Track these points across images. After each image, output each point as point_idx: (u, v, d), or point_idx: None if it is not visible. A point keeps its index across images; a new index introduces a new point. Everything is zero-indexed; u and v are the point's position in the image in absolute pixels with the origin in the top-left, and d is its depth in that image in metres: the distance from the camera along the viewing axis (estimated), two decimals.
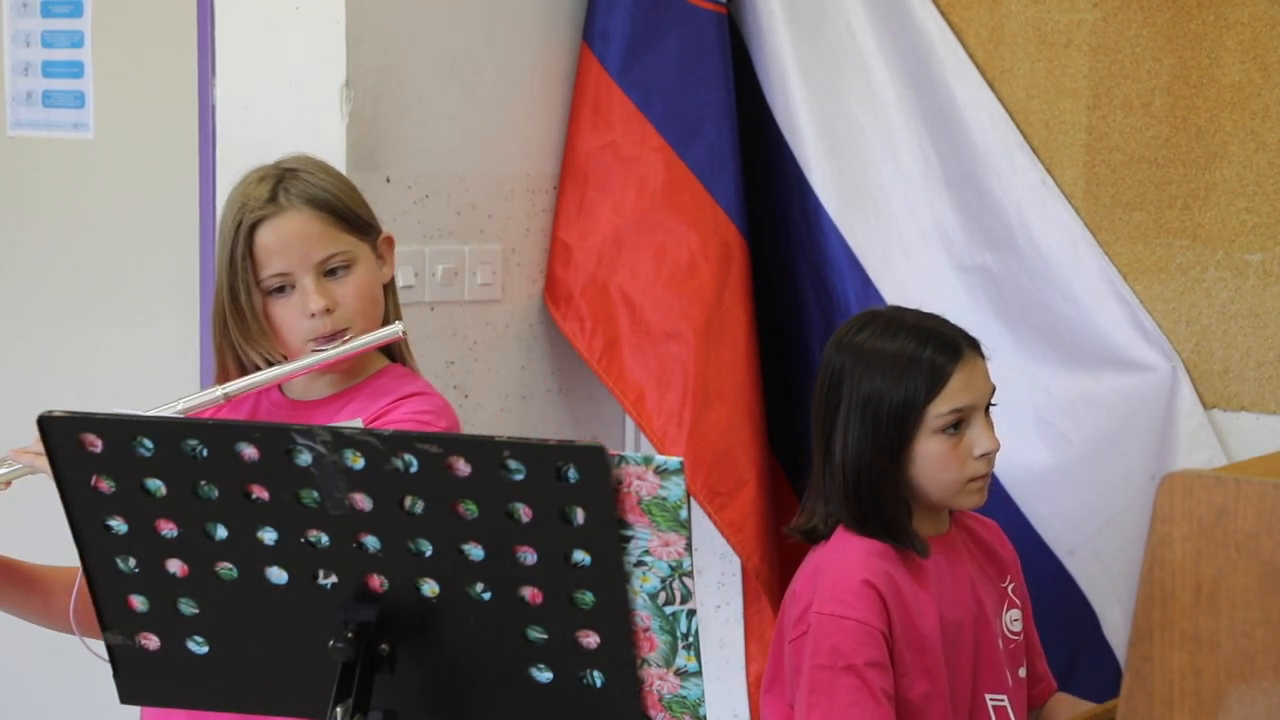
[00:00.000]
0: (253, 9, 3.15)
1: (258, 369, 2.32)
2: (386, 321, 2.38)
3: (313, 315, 2.29)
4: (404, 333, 2.34)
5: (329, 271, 2.31)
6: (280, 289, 2.31)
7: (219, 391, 2.27)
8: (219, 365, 2.37)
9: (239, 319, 2.31)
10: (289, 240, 2.30)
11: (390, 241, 2.42)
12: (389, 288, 2.41)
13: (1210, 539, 1.49)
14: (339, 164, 3.03)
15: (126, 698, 1.87)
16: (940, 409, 2.47)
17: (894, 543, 2.48)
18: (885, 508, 2.48)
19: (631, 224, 3.32)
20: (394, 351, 2.43)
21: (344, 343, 2.30)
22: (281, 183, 2.33)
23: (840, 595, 2.44)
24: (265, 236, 2.30)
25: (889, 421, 2.46)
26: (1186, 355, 3.01)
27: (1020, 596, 2.66)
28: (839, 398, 2.50)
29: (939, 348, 2.49)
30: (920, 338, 2.50)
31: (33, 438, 2.03)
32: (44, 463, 2.05)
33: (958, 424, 2.48)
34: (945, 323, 2.55)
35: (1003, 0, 3.15)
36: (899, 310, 2.59)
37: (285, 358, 2.33)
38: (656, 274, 3.31)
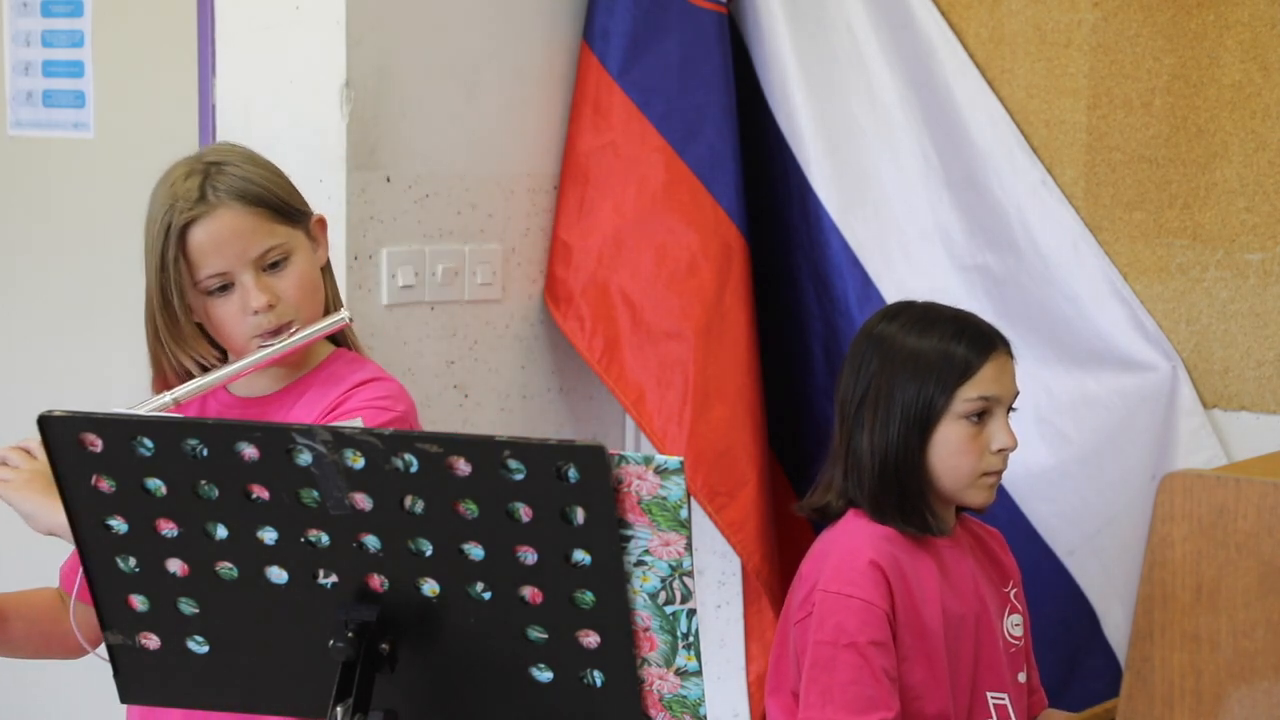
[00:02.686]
0: (253, 9, 3.15)
1: (190, 374, 2.28)
2: (328, 305, 2.33)
3: (255, 312, 2.24)
4: (350, 319, 2.30)
5: (268, 266, 2.25)
6: (220, 289, 2.25)
7: (168, 397, 2.21)
8: (155, 372, 2.31)
9: (171, 323, 2.25)
10: (223, 239, 2.23)
11: (323, 223, 2.36)
12: (326, 270, 2.35)
13: (1210, 539, 1.49)
14: (339, 164, 3.03)
15: (126, 697, 1.87)
16: (969, 393, 2.49)
17: (911, 529, 2.49)
18: (908, 493, 2.49)
19: (632, 224, 3.32)
20: (338, 337, 2.37)
21: (290, 336, 2.25)
22: (209, 179, 2.25)
23: (846, 574, 2.45)
24: (198, 236, 2.23)
25: (919, 404, 2.48)
26: (1186, 355, 3.02)
27: (1022, 604, 2.67)
28: (869, 383, 2.52)
29: (975, 338, 2.53)
30: (957, 328, 2.53)
31: (33, 438, 2.03)
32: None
33: (981, 415, 2.50)
34: (980, 319, 2.58)
35: (1003, 0, 3.15)
36: (934, 304, 2.61)
37: (220, 359, 2.29)
38: (657, 274, 3.31)
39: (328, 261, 2.37)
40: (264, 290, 2.24)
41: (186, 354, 2.27)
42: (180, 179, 2.27)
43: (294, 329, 2.26)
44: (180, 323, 2.25)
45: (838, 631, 2.42)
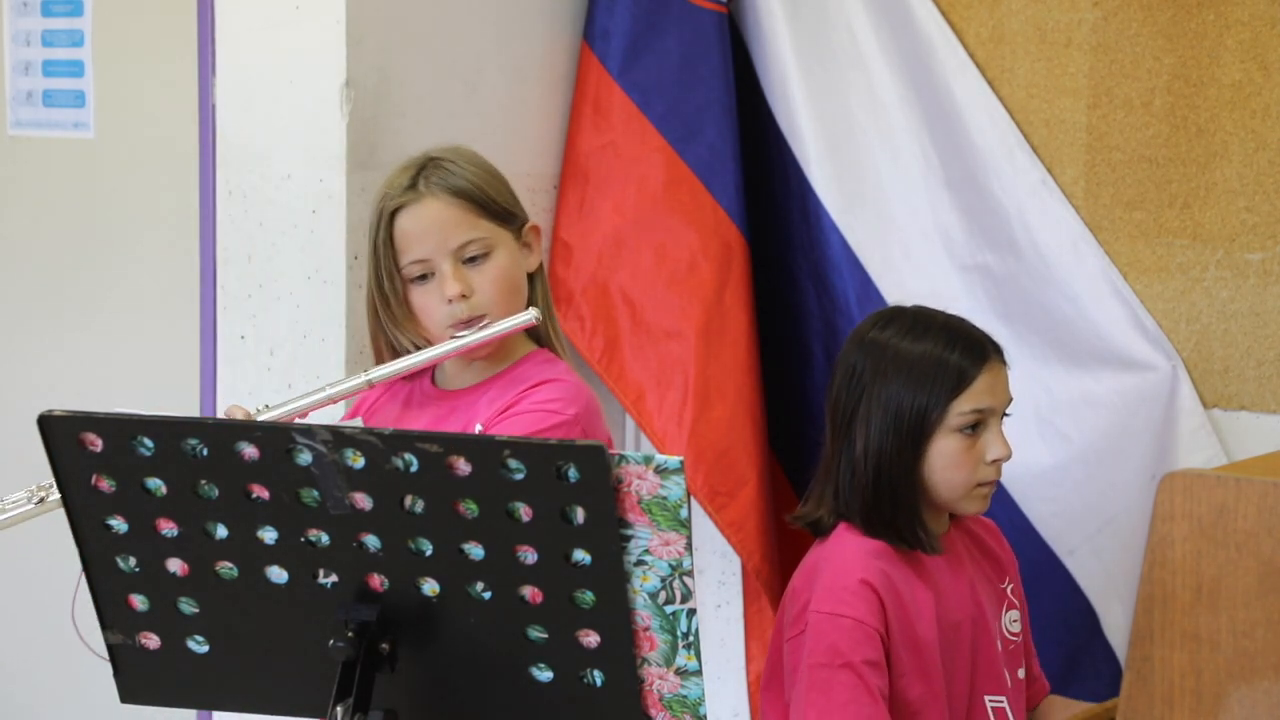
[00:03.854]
0: (253, 9, 3.15)
1: (408, 353, 2.36)
2: (544, 313, 2.40)
3: (450, 301, 2.32)
4: (538, 319, 2.35)
5: (468, 259, 2.34)
6: (421, 276, 2.35)
7: (364, 377, 2.30)
8: (375, 349, 2.42)
9: (385, 305, 2.36)
10: (426, 227, 2.34)
11: (537, 230, 2.44)
12: (536, 275, 2.43)
13: (1210, 538, 1.49)
14: (339, 164, 3.03)
15: (127, 697, 1.87)
16: (963, 407, 2.47)
17: (901, 544, 2.48)
18: (900, 506, 2.48)
19: (632, 223, 3.32)
20: (542, 337, 2.44)
21: (480, 329, 2.32)
22: (423, 171, 2.37)
23: (838, 594, 2.44)
24: (404, 223, 2.35)
25: (913, 416, 2.47)
26: (1187, 355, 3.02)
27: (1018, 597, 2.66)
28: (861, 393, 2.50)
29: (968, 347, 2.50)
30: (949, 337, 2.50)
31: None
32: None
33: (975, 426, 2.48)
34: (973, 326, 2.56)
35: (1002, 0, 3.15)
36: (924, 309, 2.59)
37: (430, 343, 2.36)
38: (657, 274, 3.31)
39: (540, 268, 2.44)
40: (459, 280, 2.33)
41: (403, 334, 2.38)
42: (399, 171, 2.40)
43: (486, 322, 2.33)
44: (393, 304, 2.36)
45: (831, 653, 2.41)
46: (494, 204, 2.38)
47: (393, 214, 2.35)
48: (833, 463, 2.53)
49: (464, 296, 2.32)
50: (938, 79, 3.18)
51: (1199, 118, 2.99)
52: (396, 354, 2.38)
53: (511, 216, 2.40)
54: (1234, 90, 2.96)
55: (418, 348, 2.36)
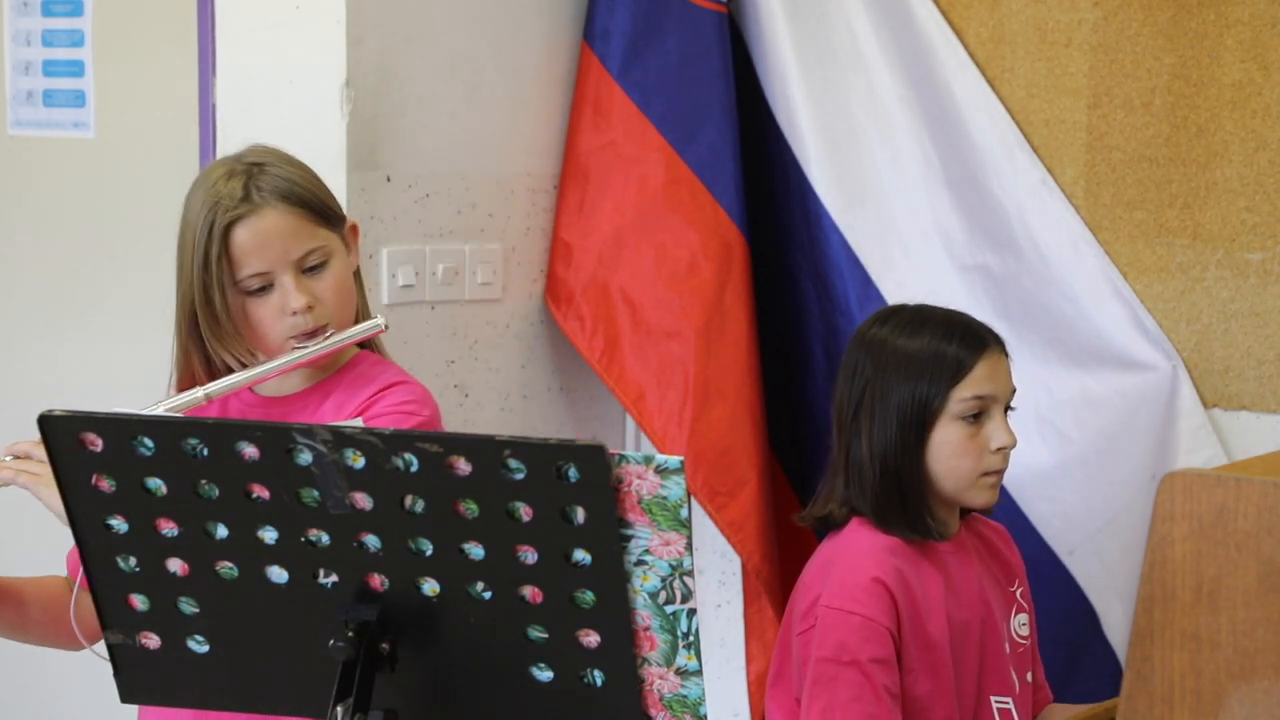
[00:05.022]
0: (253, 9, 3.15)
1: (227, 370, 2.29)
2: (358, 310, 2.35)
3: (294, 313, 2.26)
4: (385, 326, 2.32)
5: (307, 269, 2.28)
6: (260, 289, 2.27)
7: (200, 393, 2.24)
8: (183, 366, 2.33)
9: (211, 320, 2.27)
10: (267, 239, 2.25)
11: (356, 229, 2.38)
12: (357, 276, 2.38)
13: (1210, 538, 1.49)
14: (339, 164, 3.03)
15: (127, 697, 1.87)
16: (964, 393, 2.48)
17: (914, 535, 2.49)
18: (908, 497, 2.48)
19: (632, 223, 3.32)
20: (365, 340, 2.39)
21: (325, 339, 2.27)
22: (252, 179, 2.27)
23: (849, 590, 2.44)
24: (242, 236, 2.24)
25: (915, 406, 2.48)
26: (1187, 354, 3.02)
27: (1028, 601, 2.66)
28: (864, 389, 2.51)
29: (966, 337, 2.52)
30: (948, 328, 2.52)
31: (31, 439, 2.03)
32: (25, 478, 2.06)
33: (978, 415, 2.49)
34: (972, 318, 2.57)
35: (1003, 0, 3.15)
36: (924, 305, 2.60)
37: (255, 356, 2.30)
38: (657, 273, 3.31)
39: (358, 268, 2.39)
40: (304, 292, 2.26)
41: (228, 351, 2.29)
42: (222, 179, 2.28)
43: (329, 332, 2.28)
44: (221, 320, 2.27)
45: (839, 649, 2.41)
46: (326, 208, 2.31)
47: (227, 226, 2.24)
48: (840, 460, 2.54)
49: (309, 308, 2.25)
50: (938, 79, 3.18)
51: (1199, 118, 2.99)
52: (213, 370, 2.30)
53: (339, 218, 2.34)
54: (1234, 90, 2.96)
55: (241, 363, 2.29)
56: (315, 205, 2.30)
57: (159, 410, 2.19)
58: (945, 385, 2.48)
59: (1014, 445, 2.51)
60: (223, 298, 2.26)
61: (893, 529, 2.49)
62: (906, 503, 2.49)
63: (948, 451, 2.49)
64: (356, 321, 2.33)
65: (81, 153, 3.56)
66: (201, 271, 2.26)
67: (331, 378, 2.34)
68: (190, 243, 2.28)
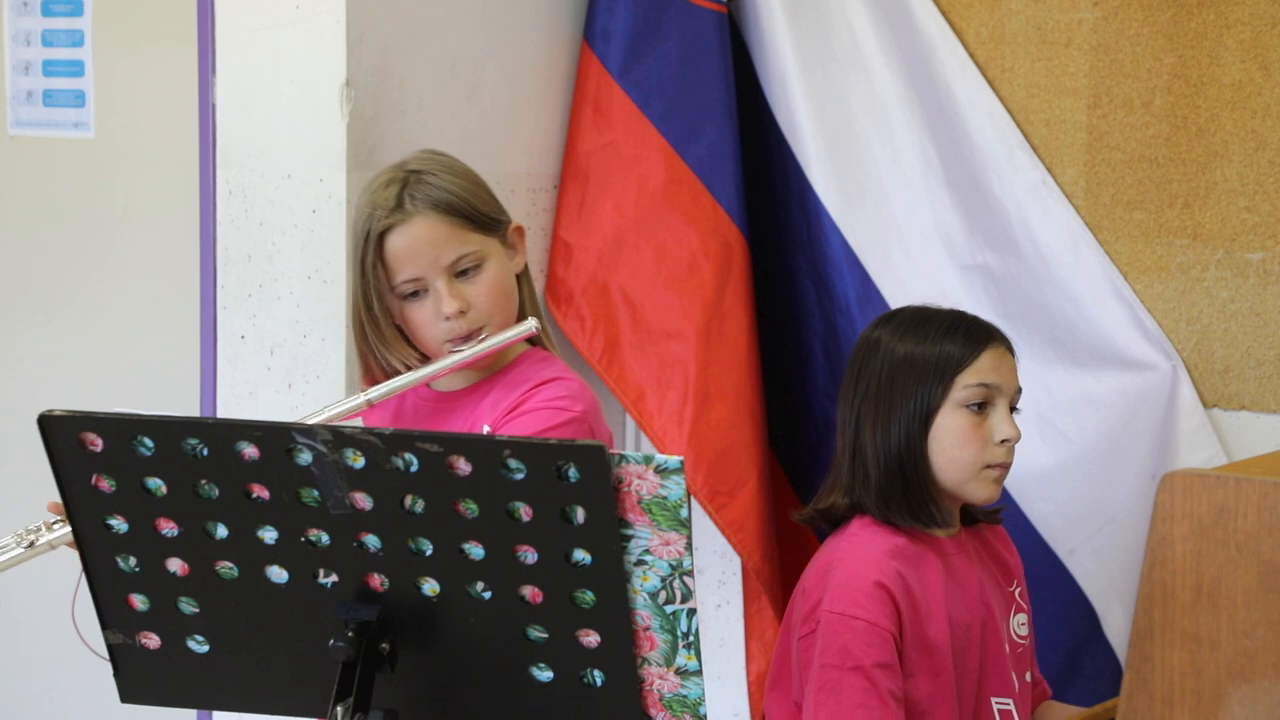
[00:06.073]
0: (253, 9, 3.15)
1: (397, 372, 2.36)
2: (522, 309, 2.41)
3: (447, 318, 2.33)
4: (538, 329, 2.37)
5: (460, 272, 2.34)
6: (415, 293, 2.34)
7: (362, 398, 2.31)
8: (363, 369, 2.42)
9: (374, 325, 2.36)
10: (418, 246, 2.33)
11: (520, 231, 2.45)
12: (523, 276, 2.44)
13: (1210, 538, 1.49)
14: (339, 164, 3.03)
15: (127, 697, 1.87)
16: (969, 380, 2.48)
17: (917, 524, 2.48)
18: (913, 487, 2.48)
19: (632, 223, 3.32)
20: (534, 336, 2.45)
21: (479, 342, 2.33)
22: (407, 187, 2.35)
23: (851, 595, 2.44)
24: (394, 243, 2.33)
25: (919, 397, 2.48)
26: (1187, 354, 3.02)
27: (1026, 601, 2.67)
28: (870, 384, 2.52)
29: (970, 332, 2.53)
30: (952, 325, 2.53)
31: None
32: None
33: (982, 406, 2.49)
34: (977, 317, 2.58)
35: (1003, 0, 3.15)
36: (929, 305, 2.61)
37: (422, 359, 2.37)
38: (657, 273, 3.31)
39: (525, 268, 2.44)
40: (456, 297, 2.33)
41: (392, 354, 2.37)
42: (381, 187, 2.37)
43: (484, 334, 2.34)
44: (382, 325, 2.36)
45: (843, 655, 2.41)
46: (480, 214, 2.38)
47: (381, 234, 2.33)
48: (845, 452, 2.54)
49: (462, 312, 2.33)
50: (938, 79, 3.18)
51: (1199, 118, 2.99)
52: (385, 373, 2.38)
53: (497, 223, 2.40)
54: (1234, 90, 2.96)
55: (407, 366, 2.36)
56: (467, 212, 2.36)
57: (323, 416, 2.27)
58: (950, 374, 2.49)
59: (1018, 438, 2.51)
60: (381, 303, 2.35)
61: (895, 518, 2.48)
62: (909, 490, 2.48)
63: (951, 440, 2.48)
64: (520, 319, 2.39)
65: (81, 153, 3.56)
66: (360, 279, 2.36)
67: (495, 375, 2.40)
68: (353, 251, 2.38)
